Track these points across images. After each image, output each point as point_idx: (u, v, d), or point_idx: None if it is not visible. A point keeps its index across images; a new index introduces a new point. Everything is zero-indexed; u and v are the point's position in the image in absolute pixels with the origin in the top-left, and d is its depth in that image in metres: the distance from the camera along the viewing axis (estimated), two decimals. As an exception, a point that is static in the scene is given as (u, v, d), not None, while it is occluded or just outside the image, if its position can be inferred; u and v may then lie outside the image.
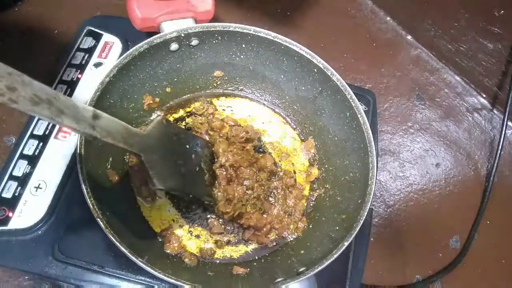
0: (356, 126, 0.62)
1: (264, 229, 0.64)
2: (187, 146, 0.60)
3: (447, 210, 0.83)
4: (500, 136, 0.83)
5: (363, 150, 0.61)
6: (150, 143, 0.50)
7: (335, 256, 0.53)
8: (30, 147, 0.65)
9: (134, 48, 0.60)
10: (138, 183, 0.64)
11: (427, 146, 0.89)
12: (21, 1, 0.85)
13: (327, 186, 0.68)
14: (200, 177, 0.61)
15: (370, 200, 0.57)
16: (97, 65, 0.74)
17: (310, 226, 0.66)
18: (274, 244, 0.65)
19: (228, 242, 0.64)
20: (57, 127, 0.67)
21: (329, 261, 0.52)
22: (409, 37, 1.01)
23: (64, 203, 0.62)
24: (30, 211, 0.61)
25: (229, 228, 0.65)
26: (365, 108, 0.75)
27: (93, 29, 0.77)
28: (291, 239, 0.66)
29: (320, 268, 0.52)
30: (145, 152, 0.49)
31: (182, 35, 0.63)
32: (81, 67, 0.73)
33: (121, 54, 0.71)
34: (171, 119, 0.71)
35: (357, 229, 0.55)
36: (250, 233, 0.64)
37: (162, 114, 0.70)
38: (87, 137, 0.42)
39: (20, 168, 0.63)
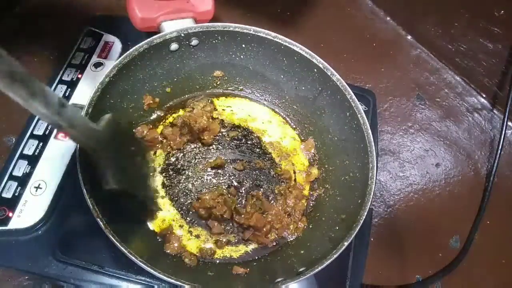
0: (356, 126, 0.63)
1: (264, 229, 0.64)
2: (133, 148, 0.59)
3: (447, 210, 0.83)
4: (500, 136, 0.83)
5: (363, 150, 0.61)
6: (104, 139, 0.49)
7: (335, 256, 0.53)
8: (30, 147, 0.65)
9: (134, 48, 0.60)
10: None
11: (427, 146, 0.89)
12: (21, 1, 0.85)
13: (327, 186, 0.68)
14: (145, 180, 0.61)
15: (370, 200, 0.57)
16: (97, 65, 0.74)
17: (310, 226, 0.66)
18: (274, 244, 0.65)
19: (228, 242, 0.64)
20: (57, 127, 0.67)
21: (329, 261, 0.52)
22: (409, 37, 1.01)
23: (64, 203, 0.62)
24: (30, 211, 0.61)
25: (229, 228, 0.65)
26: (365, 108, 0.75)
27: (93, 29, 0.77)
28: (291, 239, 0.66)
29: (320, 268, 0.52)
30: (100, 149, 0.48)
31: (182, 35, 0.63)
32: (81, 67, 0.73)
33: (121, 54, 0.71)
34: (171, 119, 0.71)
35: (357, 229, 0.55)
36: (250, 233, 0.64)
37: (162, 114, 0.70)
38: (53, 126, 0.42)
39: (20, 168, 0.64)
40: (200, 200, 0.64)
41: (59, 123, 0.41)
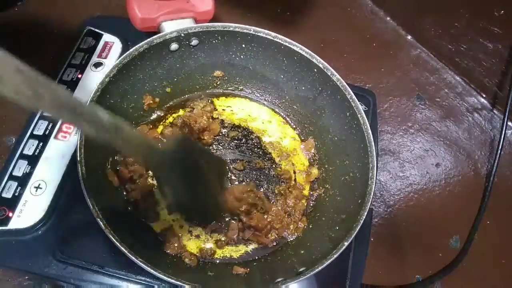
0: (356, 126, 0.63)
1: (265, 229, 0.64)
2: (204, 165, 0.58)
3: (447, 210, 0.83)
4: (500, 136, 0.83)
5: (363, 150, 0.61)
6: (162, 159, 0.49)
7: (335, 256, 0.53)
8: (30, 147, 0.65)
9: (134, 48, 0.60)
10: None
11: (427, 146, 0.89)
12: (21, 1, 0.85)
13: (327, 186, 0.68)
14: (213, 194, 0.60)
15: (370, 200, 0.57)
16: (97, 65, 0.73)
17: (310, 226, 0.66)
18: (274, 244, 0.65)
19: (228, 242, 0.64)
20: (56, 127, 0.67)
21: (329, 261, 0.52)
22: (409, 37, 1.01)
23: (64, 203, 0.62)
24: (30, 211, 0.61)
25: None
26: (365, 108, 0.75)
27: (93, 29, 0.77)
28: (291, 239, 0.66)
29: (320, 268, 0.52)
30: (157, 168, 0.49)
31: (182, 35, 0.63)
32: (81, 67, 0.73)
33: (121, 54, 0.71)
34: (171, 119, 0.71)
35: (357, 229, 0.55)
36: (250, 233, 0.64)
37: (162, 114, 0.70)
38: (110, 146, 0.42)
39: (20, 168, 0.63)
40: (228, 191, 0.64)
41: (118, 146, 0.42)
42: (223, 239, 0.64)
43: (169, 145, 0.51)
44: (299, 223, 0.66)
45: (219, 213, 0.63)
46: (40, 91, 0.34)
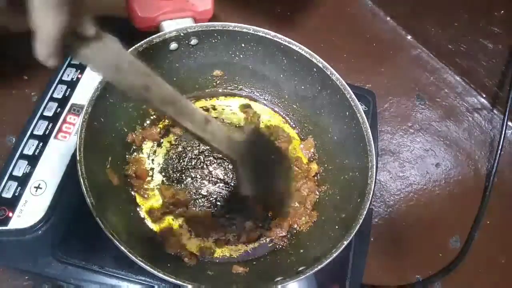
0: (355, 126, 0.63)
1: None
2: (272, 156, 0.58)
3: (447, 210, 0.83)
4: (500, 136, 0.83)
5: (363, 149, 0.61)
6: (243, 150, 0.51)
7: (335, 255, 0.53)
8: (30, 147, 0.65)
9: (133, 47, 0.60)
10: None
11: (427, 146, 0.89)
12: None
13: (327, 185, 0.68)
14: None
15: (370, 199, 0.57)
16: (97, 65, 0.73)
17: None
18: (285, 241, 0.65)
19: (228, 242, 0.64)
20: (57, 127, 0.67)
21: (328, 260, 0.52)
22: (409, 37, 1.01)
23: (64, 203, 0.62)
24: (30, 211, 0.61)
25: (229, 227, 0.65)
26: (365, 108, 0.75)
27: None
28: (301, 229, 0.66)
29: (319, 267, 0.52)
30: (240, 158, 0.50)
31: (182, 34, 0.63)
32: (81, 67, 0.73)
33: (121, 54, 0.71)
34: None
35: (357, 228, 0.55)
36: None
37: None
38: (196, 138, 0.46)
39: (20, 168, 0.63)
40: None
41: (203, 137, 0.45)
42: (240, 235, 0.65)
43: (246, 136, 0.52)
44: (311, 216, 0.66)
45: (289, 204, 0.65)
46: (149, 83, 0.38)
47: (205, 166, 0.69)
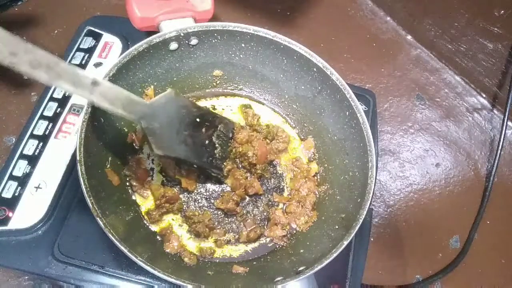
0: (355, 126, 0.63)
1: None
2: (197, 120, 0.63)
3: (447, 210, 0.83)
4: (500, 136, 0.83)
5: (363, 149, 0.61)
6: (151, 112, 0.54)
7: (335, 255, 0.53)
8: (30, 147, 0.65)
9: (133, 47, 0.60)
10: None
11: (427, 146, 0.89)
12: (21, 1, 0.85)
13: (327, 185, 0.68)
14: (209, 150, 0.64)
15: (370, 199, 0.57)
16: (97, 65, 0.74)
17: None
18: (285, 241, 0.65)
19: (228, 242, 0.64)
20: (56, 127, 0.67)
21: (328, 260, 0.52)
22: (409, 37, 1.01)
23: (64, 203, 0.62)
24: (30, 211, 0.61)
25: (229, 227, 0.65)
26: (365, 108, 0.75)
27: (93, 29, 0.77)
28: (301, 229, 0.66)
29: (319, 267, 0.52)
30: (144, 120, 0.53)
31: (182, 34, 0.63)
32: (81, 67, 0.73)
33: (121, 54, 0.71)
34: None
35: (357, 228, 0.55)
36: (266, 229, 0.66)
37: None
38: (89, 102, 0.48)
39: (20, 168, 0.64)
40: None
41: (91, 99, 0.47)
42: (242, 233, 0.65)
43: (156, 99, 0.56)
44: (310, 216, 0.66)
45: (215, 164, 0.66)
46: (15, 50, 0.38)
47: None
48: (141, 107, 0.53)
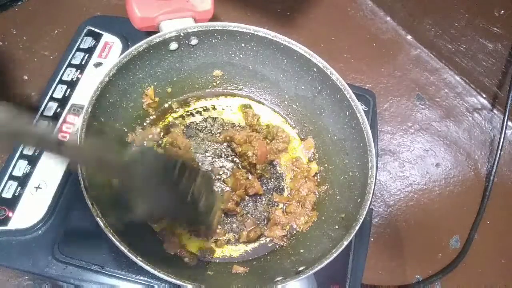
0: (355, 126, 0.63)
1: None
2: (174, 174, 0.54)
3: (447, 210, 0.83)
4: (500, 136, 0.83)
5: (363, 149, 0.61)
6: (129, 171, 0.49)
7: (335, 255, 0.53)
8: (30, 147, 0.65)
9: (133, 47, 0.60)
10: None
11: (427, 146, 0.89)
12: (21, 1, 0.85)
13: (327, 185, 0.68)
14: (190, 207, 0.56)
15: (370, 199, 0.57)
16: (97, 65, 0.74)
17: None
18: (285, 241, 0.65)
19: (228, 242, 0.64)
20: (56, 127, 0.67)
21: (328, 260, 0.52)
22: (409, 37, 1.01)
23: (64, 203, 0.62)
24: (30, 211, 0.61)
25: (229, 227, 0.65)
26: (365, 108, 0.75)
27: (93, 29, 0.77)
28: (301, 229, 0.66)
29: (319, 267, 0.52)
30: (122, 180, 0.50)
31: (182, 34, 0.63)
32: (81, 67, 0.73)
33: (121, 54, 0.71)
34: (170, 118, 0.71)
35: (357, 228, 0.55)
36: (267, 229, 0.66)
37: (162, 113, 0.70)
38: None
39: (20, 168, 0.63)
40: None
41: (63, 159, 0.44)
42: (242, 233, 0.65)
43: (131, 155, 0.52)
44: (310, 216, 0.66)
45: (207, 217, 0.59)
46: None
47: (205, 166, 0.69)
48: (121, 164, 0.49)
